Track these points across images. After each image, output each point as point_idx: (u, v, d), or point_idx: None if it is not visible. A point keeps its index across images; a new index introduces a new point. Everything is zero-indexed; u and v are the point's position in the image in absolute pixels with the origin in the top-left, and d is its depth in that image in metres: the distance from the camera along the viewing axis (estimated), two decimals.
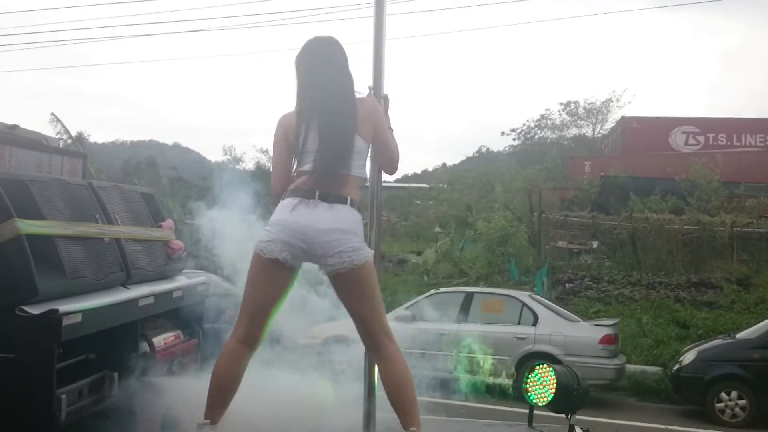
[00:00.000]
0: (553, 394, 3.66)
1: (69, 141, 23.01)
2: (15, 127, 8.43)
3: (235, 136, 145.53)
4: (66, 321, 2.95)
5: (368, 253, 3.19)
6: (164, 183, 30.08)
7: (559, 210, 22.27)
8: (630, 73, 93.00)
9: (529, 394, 3.78)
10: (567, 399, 3.67)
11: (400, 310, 11.42)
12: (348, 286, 3.19)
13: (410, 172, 71.72)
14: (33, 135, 8.70)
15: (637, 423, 9.34)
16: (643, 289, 15.95)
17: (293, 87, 3.33)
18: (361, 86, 3.42)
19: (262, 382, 3.61)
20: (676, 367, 10.13)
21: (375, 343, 3.23)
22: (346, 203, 3.18)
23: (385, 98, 3.53)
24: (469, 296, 11.16)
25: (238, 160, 46.49)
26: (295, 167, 3.29)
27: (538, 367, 3.78)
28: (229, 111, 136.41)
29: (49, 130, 21.84)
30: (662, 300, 15.12)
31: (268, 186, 3.39)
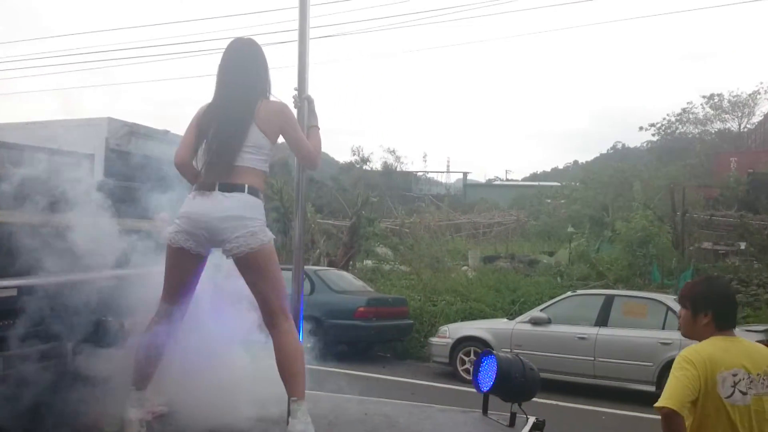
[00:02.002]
0: (493, 381, 3.83)
1: None
2: (167, 132, 8.94)
3: (362, 137, 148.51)
4: None
5: (265, 237, 3.50)
6: (296, 182, 30.98)
7: (703, 209, 21.14)
8: None
9: (479, 381, 3.95)
10: (507, 386, 3.82)
11: (535, 312, 11.19)
12: (248, 266, 3.51)
13: (539, 170, 70.45)
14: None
15: None
16: None
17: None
18: (288, 89, 3.78)
19: None
20: None
21: (273, 319, 3.54)
22: (243, 191, 3.49)
23: (309, 99, 3.81)
24: (609, 299, 10.74)
25: (365, 160, 47.20)
26: (198, 161, 3.59)
27: (488, 356, 3.94)
28: (357, 112, 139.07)
29: None
30: None
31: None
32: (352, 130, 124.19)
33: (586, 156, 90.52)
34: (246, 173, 3.52)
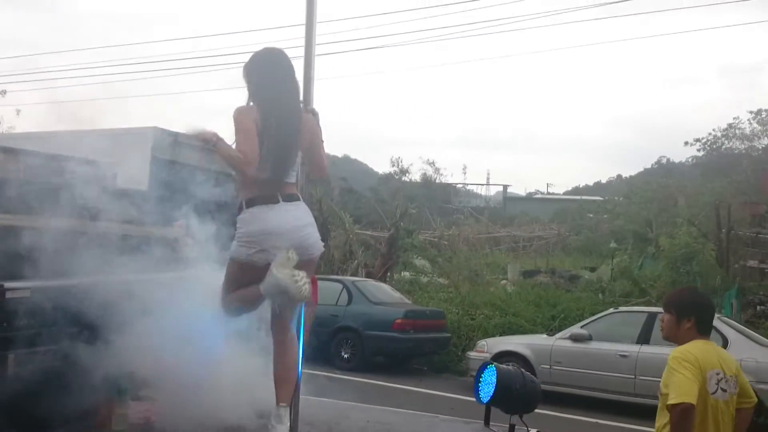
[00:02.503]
0: (493, 392, 3.88)
1: None
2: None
3: (402, 148, 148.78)
4: (10, 295, 3.42)
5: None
6: (335, 193, 31.21)
7: (749, 226, 20.66)
8: None
9: (480, 392, 4.00)
10: (506, 398, 3.87)
11: (576, 329, 11.02)
12: (306, 269, 3.57)
13: (581, 184, 69.48)
14: None
15: None
16: None
17: (246, 91, 3.67)
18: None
19: None
20: None
21: (288, 325, 3.66)
22: (300, 200, 3.64)
23: (314, 112, 3.85)
24: (652, 316, 10.50)
25: (404, 171, 47.19)
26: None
27: (488, 367, 4.01)
28: (398, 122, 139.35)
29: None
30: None
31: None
32: (392, 141, 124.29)
33: (629, 170, 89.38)
34: (292, 184, 3.66)
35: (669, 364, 3.12)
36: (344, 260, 19.60)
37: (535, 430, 4.01)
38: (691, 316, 3.25)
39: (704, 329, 3.27)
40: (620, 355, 10.20)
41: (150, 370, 3.87)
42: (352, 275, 17.29)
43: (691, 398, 2.96)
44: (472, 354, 11.79)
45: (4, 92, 21.21)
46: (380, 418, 4.37)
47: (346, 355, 12.52)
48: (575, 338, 10.72)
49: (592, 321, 11.15)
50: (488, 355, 11.30)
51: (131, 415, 3.81)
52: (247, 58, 3.72)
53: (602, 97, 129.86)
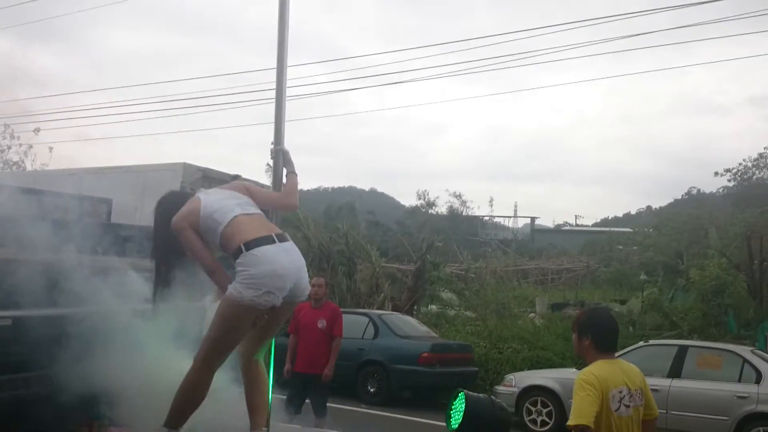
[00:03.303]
0: (461, 419, 3.89)
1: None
2: (237, 176, 9.21)
3: (429, 180, 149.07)
4: None
5: None
6: (362, 227, 31.36)
7: None
8: None
9: (451, 419, 4.00)
10: (475, 425, 3.87)
11: None
12: (290, 310, 3.83)
13: (610, 216, 68.95)
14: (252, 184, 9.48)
15: None
16: None
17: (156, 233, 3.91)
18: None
19: None
20: None
21: (256, 356, 3.80)
22: (290, 240, 3.68)
23: (284, 151, 4.27)
24: (683, 350, 10.37)
25: (431, 204, 47.26)
26: (220, 224, 3.58)
27: (459, 395, 4.01)
28: (424, 155, 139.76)
29: (264, 179, 23.61)
30: None
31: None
32: (419, 174, 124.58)
33: (659, 201, 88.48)
34: (274, 225, 3.85)
35: (574, 386, 3.34)
36: (371, 293, 19.58)
37: None
38: (587, 335, 3.45)
39: (604, 347, 3.44)
40: (651, 389, 10.02)
41: (130, 397, 3.96)
42: (378, 308, 17.25)
43: (587, 420, 3.15)
44: (500, 388, 11.65)
45: (37, 130, 21.73)
46: None
47: (372, 389, 12.46)
48: None
49: (622, 354, 10.92)
50: (516, 390, 11.17)
51: None
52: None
53: (631, 128, 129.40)
